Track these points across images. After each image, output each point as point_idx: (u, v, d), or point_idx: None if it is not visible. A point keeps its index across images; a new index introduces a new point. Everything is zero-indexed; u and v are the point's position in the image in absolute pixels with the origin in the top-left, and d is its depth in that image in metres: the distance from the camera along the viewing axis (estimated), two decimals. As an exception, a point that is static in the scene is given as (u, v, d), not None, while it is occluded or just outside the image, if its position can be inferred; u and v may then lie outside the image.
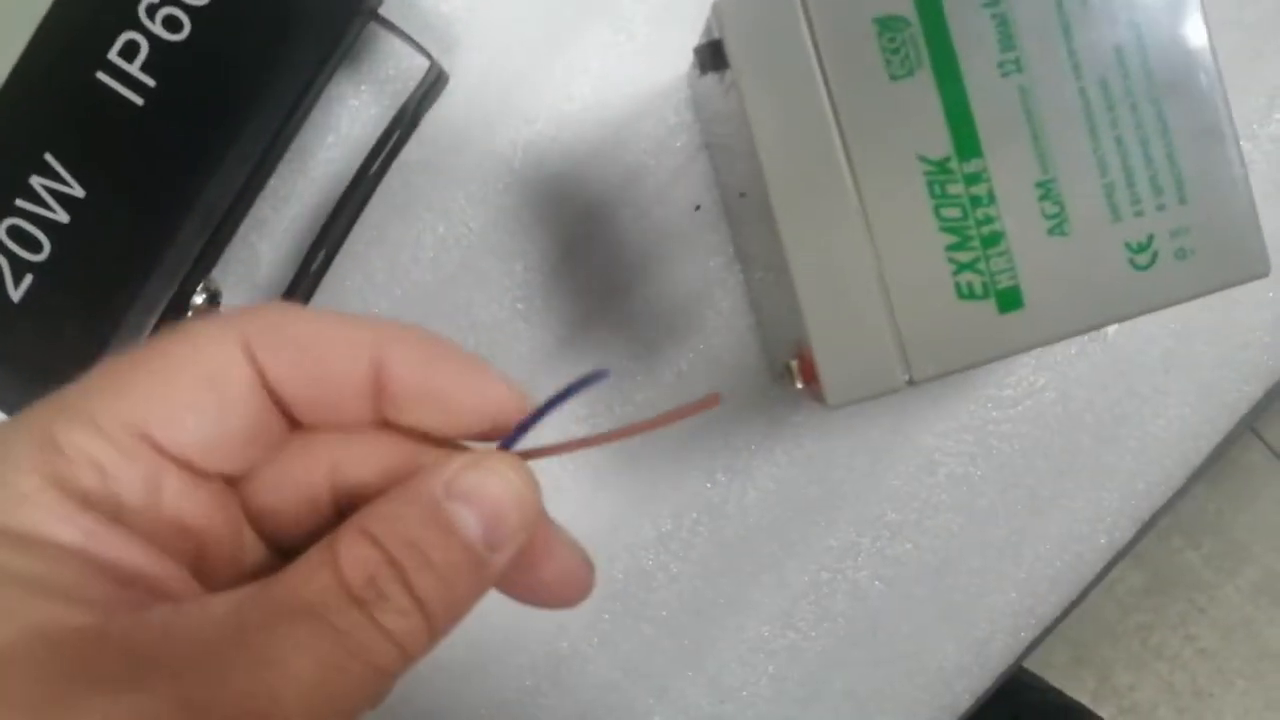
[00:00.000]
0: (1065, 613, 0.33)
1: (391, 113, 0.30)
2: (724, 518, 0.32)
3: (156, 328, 0.28)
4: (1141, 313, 0.25)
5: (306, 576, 0.15)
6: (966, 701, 0.33)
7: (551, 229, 0.31)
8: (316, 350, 0.17)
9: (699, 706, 0.33)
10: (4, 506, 0.15)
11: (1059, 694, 0.83)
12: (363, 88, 0.31)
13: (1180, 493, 0.32)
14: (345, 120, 0.31)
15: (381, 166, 0.31)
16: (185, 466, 0.16)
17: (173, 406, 0.16)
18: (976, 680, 0.33)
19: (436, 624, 0.16)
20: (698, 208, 0.31)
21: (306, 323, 0.17)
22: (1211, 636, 1.16)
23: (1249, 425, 0.32)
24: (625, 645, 0.33)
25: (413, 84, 0.30)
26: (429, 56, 0.30)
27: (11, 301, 0.27)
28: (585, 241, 0.31)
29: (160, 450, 0.16)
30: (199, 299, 0.29)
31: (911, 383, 0.24)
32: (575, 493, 0.32)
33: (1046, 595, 0.33)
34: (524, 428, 0.18)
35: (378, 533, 0.16)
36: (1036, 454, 0.32)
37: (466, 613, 0.16)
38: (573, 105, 0.31)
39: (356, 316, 0.17)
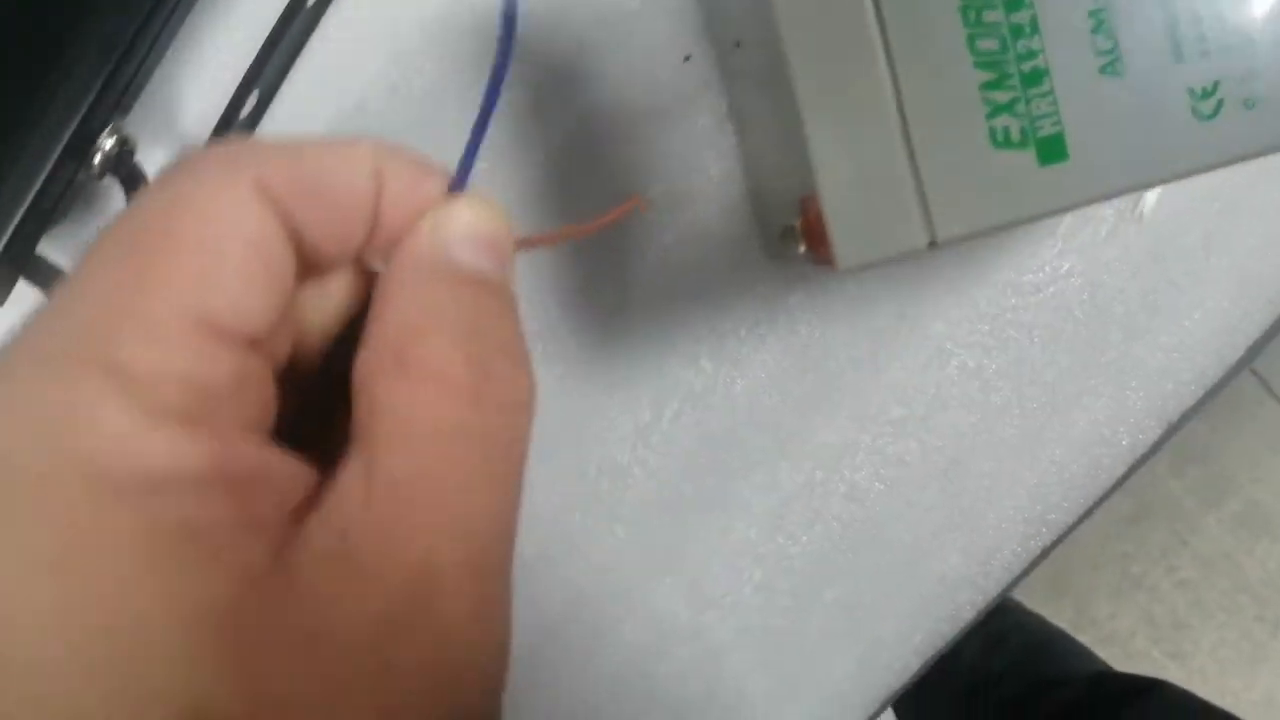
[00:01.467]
0: (1078, 521, 0.30)
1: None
2: (709, 409, 0.29)
3: (46, 171, 0.24)
4: (1201, 170, 0.21)
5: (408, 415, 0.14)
6: (969, 614, 0.30)
7: (522, 78, 0.28)
8: (328, 182, 0.15)
9: (676, 615, 0.30)
10: (111, 461, 0.12)
11: (1041, 620, 0.82)
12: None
13: (1212, 392, 0.29)
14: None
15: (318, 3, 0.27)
16: (245, 343, 0.14)
17: (228, 284, 0.14)
18: (980, 592, 0.30)
19: (517, 356, 0.16)
20: (687, 58, 0.28)
21: (314, 154, 0.15)
22: (1192, 568, 1.16)
23: None
24: (596, 549, 0.30)
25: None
26: None
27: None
28: (560, 95, 0.28)
29: (223, 334, 0.14)
30: (108, 142, 0.25)
31: (934, 245, 0.21)
32: (545, 380, 0.29)
33: (1060, 502, 0.30)
34: (465, 163, 0.17)
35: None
36: (1058, 347, 0.29)
37: (518, 333, 0.16)
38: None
39: (345, 139, 0.16)
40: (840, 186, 0.20)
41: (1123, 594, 1.16)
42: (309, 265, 0.15)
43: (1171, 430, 0.30)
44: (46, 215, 0.25)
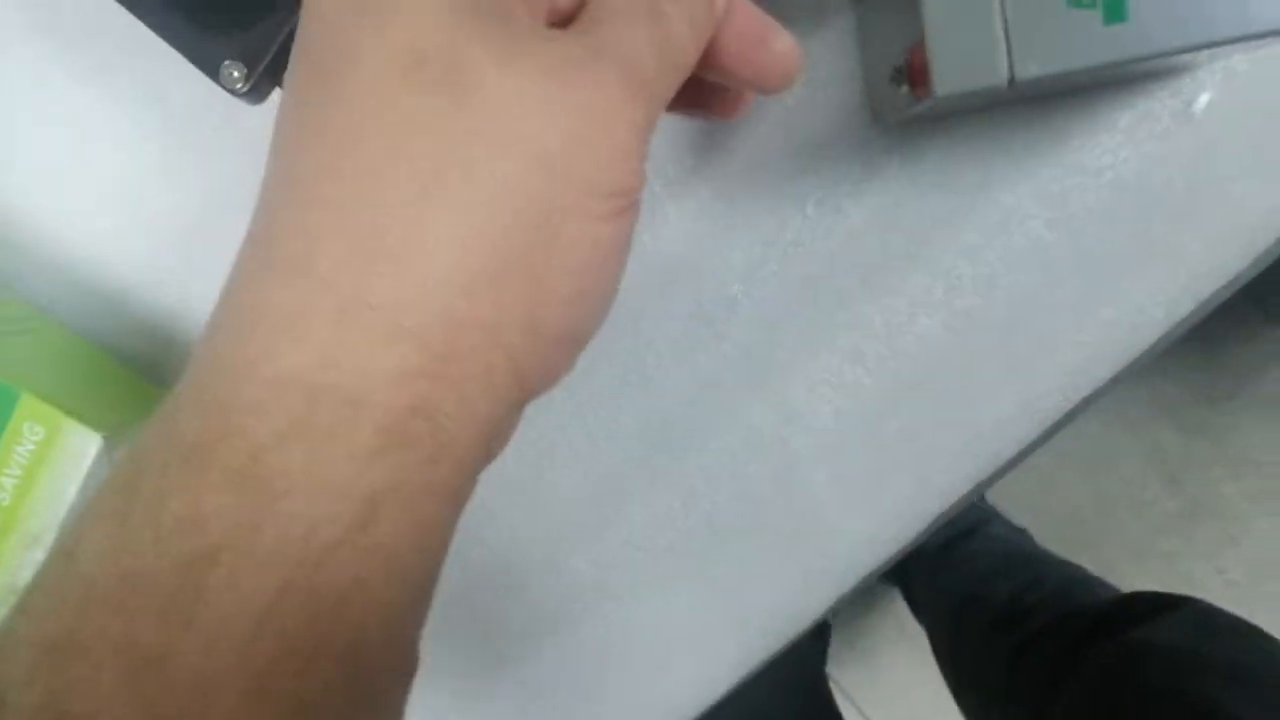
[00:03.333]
0: (1115, 377, 0.35)
1: None
2: (811, 253, 0.34)
3: None
4: (1239, 38, 0.26)
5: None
6: (1012, 449, 0.35)
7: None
8: None
9: (760, 429, 0.36)
10: None
11: (1078, 566, 0.86)
12: None
13: (1240, 277, 0.34)
14: None
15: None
16: None
17: None
18: (1024, 429, 0.35)
19: (699, 19, 0.22)
20: (819, -48, 0.33)
21: None
22: (1240, 569, 1.18)
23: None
24: (704, 360, 0.35)
25: None
26: None
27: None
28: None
29: None
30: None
31: (1013, 82, 0.26)
32: (678, 216, 0.34)
33: (1101, 358, 0.35)
34: None
35: None
36: (1113, 225, 0.34)
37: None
38: None
39: None
40: (942, 29, 0.26)
41: (1167, 589, 1.17)
42: None
43: (1202, 307, 0.34)
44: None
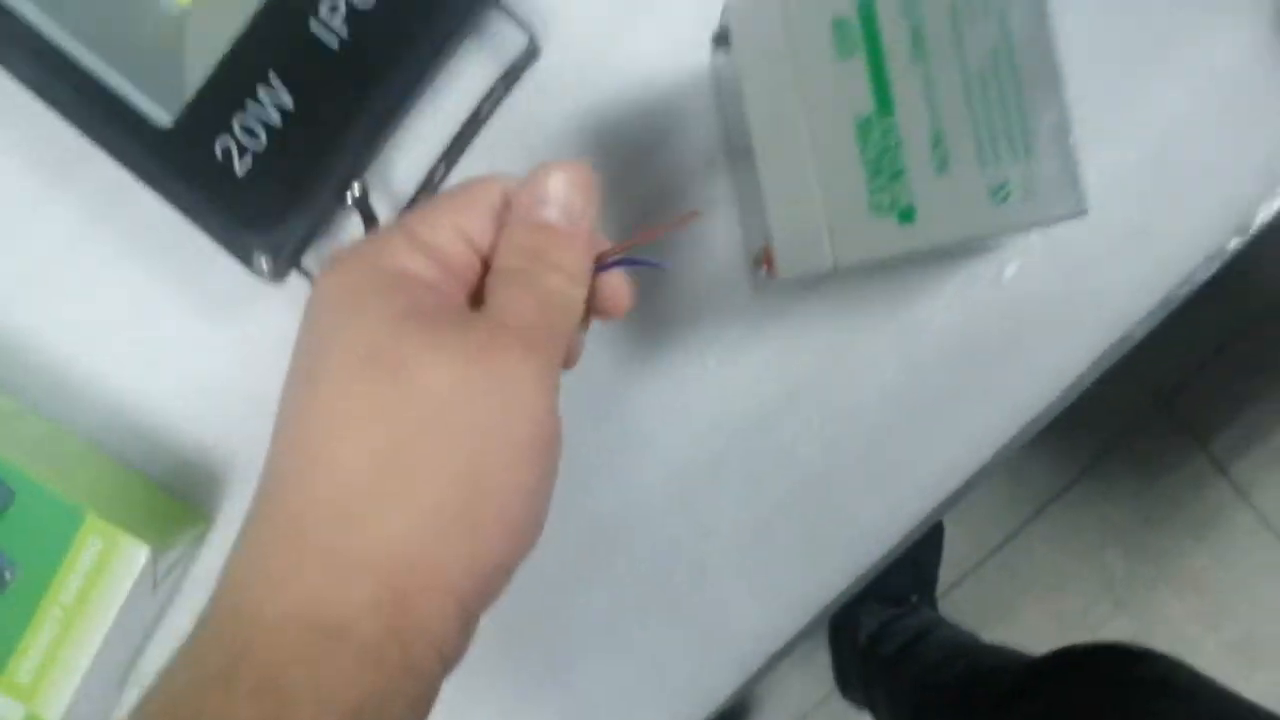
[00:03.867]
0: (964, 488, 0.43)
1: (496, 73, 0.43)
2: (711, 397, 0.44)
3: (321, 208, 0.40)
4: (999, 233, 0.36)
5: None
6: (880, 550, 0.43)
7: (603, 166, 0.44)
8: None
9: (680, 540, 0.44)
10: (399, 252, 0.28)
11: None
12: (479, 53, 0.44)
13: (1048, 410, 0.43)
14: (464, 76, 0.44)
15: (487, 112, 0.43)
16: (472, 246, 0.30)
17: (473, 221, 0.30)
18: (890, 533, 0.43)
19: (576, 276, 0.29)
20: (711, 162, 0.43)
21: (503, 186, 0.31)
22: (1192, 689, 1.22)
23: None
24: (633, 481, 0.44)
25: (514, 54, 0.43)
26: (531, 36, 0.42)
27: (236, 176, 0.40)
28: (631, 178, 0.44)
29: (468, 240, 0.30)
30: (356, 187, 0.41)
31: (835, 268, 0.36)
32: (610, 364, 0.43)
33: (947, 478, 0.43)
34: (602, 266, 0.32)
35: (514, 251, 0.30)
36: (949, 369, 0.43)
37: (588, 267, 0.30)
38: (622, 82, 0.44)
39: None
40: (782, 229, 0.36)
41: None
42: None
43: (1024, 431, 0.43)
44: (315, 238, 0.42)
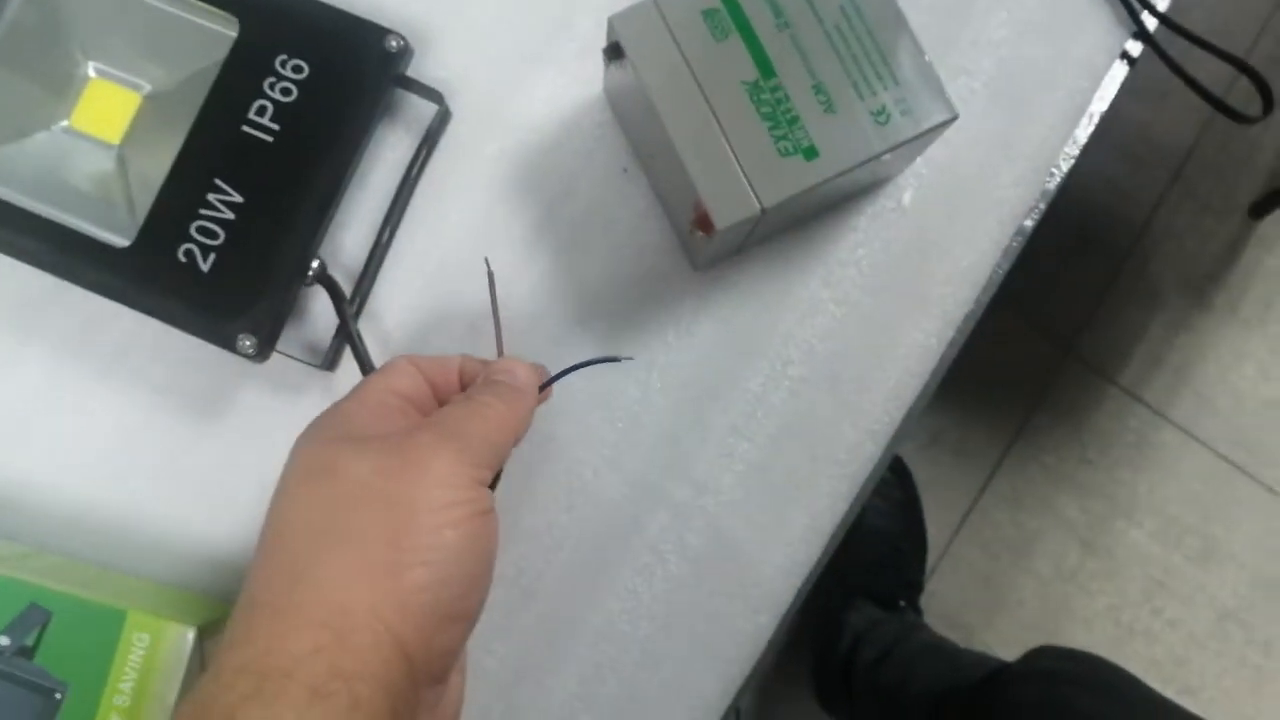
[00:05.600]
0: (920, 397, 0.48)
1: (418, 140, 0.47)
2: (681, 365, 0.47)
3: (287, 283, 0.44)
4: (889, 150, 0.41)
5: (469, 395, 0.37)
6: (867, 468, 0.47)
7: (531, 200, 0.48)
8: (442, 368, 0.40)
9: (682, 501, 0.47)
10: (376, 399, 0.37)
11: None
12: (398, 127, 0.48)
13: (972, 313, 0.48)
14: (388, 149, 0.48)
15: (416, 175, 0.48)
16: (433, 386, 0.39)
17: (434, 368, 0.39)
18: (868, 450, 0.47)
19: (519, 414, 0.37)
20: (625, 170, 0.48)
21: (438, 361, 0.40)
22: (1175, 606, 1.28)
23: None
24: (627, 459, 0.47)
25: (429, 119, 0.47)
26: (440, 101, 0.47)
27: (203, 272, 0.43)
28: (559, 203, 0.48)
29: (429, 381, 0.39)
30: (315, 264, 0.44)
31: (763, 211, 0.40)
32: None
33: (903, 390, 0.48)
34: (553, 379, 0.40)
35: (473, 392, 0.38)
36: (877, 291, 0.48)
37: (527, 418, 0.38)
38: (529, 123, 0.48)
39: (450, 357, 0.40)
40: (710, 190, 0.40)
41: (1121, 643, 1.27)
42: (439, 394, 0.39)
43: (960, 332, 0.48)
44: (287, 312, 0.45)
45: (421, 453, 0.32)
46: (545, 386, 0.40)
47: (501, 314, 0.42)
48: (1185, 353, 1.31)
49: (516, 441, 0.37)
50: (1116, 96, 0.50)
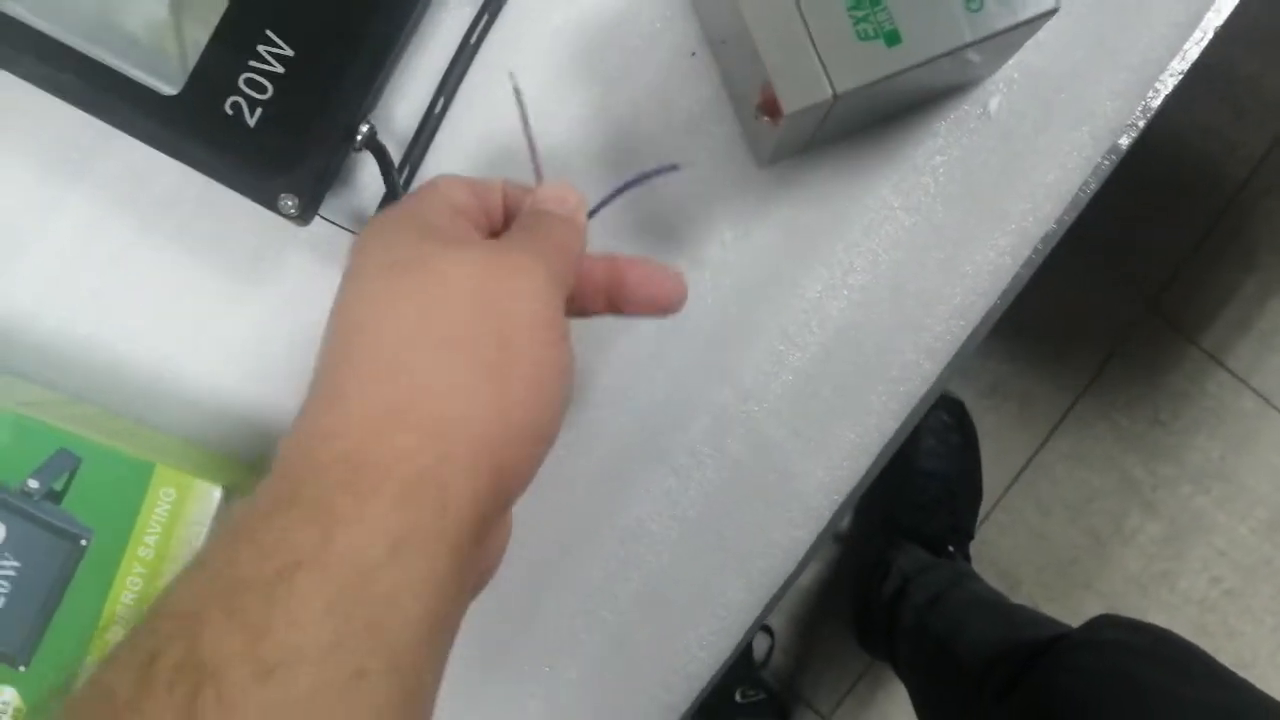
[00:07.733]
0: (988, 315, 0.45)
1: (480, 4, 0.45)
2: (736, 267, 0.45)
3: (334, 144, 0.42)
4: (980, 40, 0.38)
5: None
6: (922, 387, 0.45)
7: (592, 77, 0.46)
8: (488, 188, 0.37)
9: (726, 406, 0.45)
10: (439, 207, 0.34)
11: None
12: (460, -7, 0.46)
13: (1060, 222, 0.45)
14: (448, 13, 0.46)
15: (476, 43, 0.45)
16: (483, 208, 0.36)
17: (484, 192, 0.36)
18: (929, 365, 0.45)
19: (573, 227, 0.35)
20: (693, 54, 0.46)
21: (484, 182, 0.37)
22: (1235, 577, 1.23)
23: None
24: (675, 358, 0.45)
25: (494, -15, 0.45)
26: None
27: (249, 127, 0.41)
28: (619, 82, 0.46)
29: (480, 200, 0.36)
30: (364, 128, 0.43)
31: (835, 97, 0.37)
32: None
33: (971, 308, 0.45)
34: (601, 204, 0.38)
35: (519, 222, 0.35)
36: (951, 203, 0.45)
37: (583, 248, 0.35)
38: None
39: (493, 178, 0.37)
40: (779, 67, 0.37)
41: (1174, 609, 1.23)
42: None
43: (1037, 252, 0.45)
44: (332, 176, 0.43)
45: (522, 267, 0.31)
46: (593, 214, 0.38)
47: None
48: (1275, 319, 1.25)
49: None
50: (1223, 28, 0.45)
